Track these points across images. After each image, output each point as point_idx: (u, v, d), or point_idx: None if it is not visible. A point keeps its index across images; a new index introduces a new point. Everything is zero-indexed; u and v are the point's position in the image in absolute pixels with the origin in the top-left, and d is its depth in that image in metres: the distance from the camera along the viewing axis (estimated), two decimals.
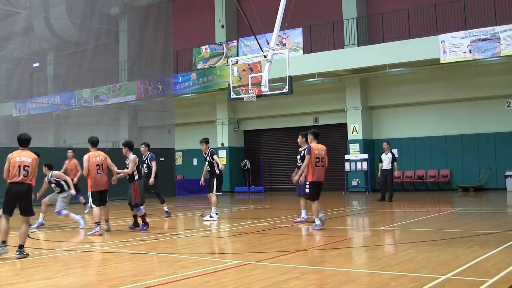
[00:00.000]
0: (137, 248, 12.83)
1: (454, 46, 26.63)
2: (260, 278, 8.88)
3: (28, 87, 40.66)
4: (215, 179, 18.27)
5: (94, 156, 15.27)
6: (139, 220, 16.17)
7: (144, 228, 15.88)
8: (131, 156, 16.07)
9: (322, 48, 32.10)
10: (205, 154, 18.50)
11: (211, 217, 18.30)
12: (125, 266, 10.58)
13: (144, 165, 18.95)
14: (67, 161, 21.98)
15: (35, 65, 42.44)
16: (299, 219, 17.07)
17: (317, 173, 15.21)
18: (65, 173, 19.60)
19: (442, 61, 27.33)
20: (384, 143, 25.53)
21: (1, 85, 38.34)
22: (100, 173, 15.28)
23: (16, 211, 11.63)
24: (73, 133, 39.08)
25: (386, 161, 24.79)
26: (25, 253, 11.36)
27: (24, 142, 12.11)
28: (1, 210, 12.07)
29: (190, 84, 35.55)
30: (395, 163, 24.74)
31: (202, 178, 19.09)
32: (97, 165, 15.23)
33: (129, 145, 16.65)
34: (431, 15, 29.41)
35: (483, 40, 25.97)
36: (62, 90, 40.65)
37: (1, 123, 38.53)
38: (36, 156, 12.00)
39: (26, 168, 11.63)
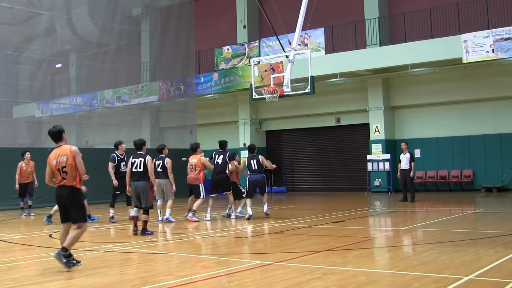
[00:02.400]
0: (159, 248, 12.87)
1: (476, 45, 26.49)
2: (282, 278, 8.87)
3: (51, 88, 40.82)
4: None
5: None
6: (140, 223, 15.28)
7: (150, 232, 15.06)
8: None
9: (344, 48, 32.04)
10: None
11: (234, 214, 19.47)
12: (146, 266, 10.60)
13: (123, 164, 18.91)
14: None
15: (58, 66, 42.63)
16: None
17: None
18: None
19: (464, 61, 27.19)
20: (403, 144, 25.48)
21: (24, 86, 38.57)
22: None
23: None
24: (95, 133, 39.30)
25: (404, 161, 24.72)
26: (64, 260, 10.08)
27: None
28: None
29: (212, 85, 35.58)
30: (412, 164, 24.57)
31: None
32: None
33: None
34: (453, 14, 29.26)
35: (506, 39, 25.81)
36: (84, 91, 40.81)
37: (23, 124, 38.78)
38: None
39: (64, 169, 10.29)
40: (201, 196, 18.59)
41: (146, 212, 15.03)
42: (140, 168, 15.18)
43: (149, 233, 14.90)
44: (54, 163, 10.26)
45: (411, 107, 32.99)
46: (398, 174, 25.13)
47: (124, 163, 18.82)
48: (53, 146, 10.63)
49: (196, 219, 18.33)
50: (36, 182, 22.60)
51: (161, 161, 18.08)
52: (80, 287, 8.85)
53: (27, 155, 22.52)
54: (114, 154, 19.12)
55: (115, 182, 18.75)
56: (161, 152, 18.30)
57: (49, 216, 18.52)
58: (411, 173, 24.59)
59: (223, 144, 20.05)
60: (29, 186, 22.45)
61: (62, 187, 10.29)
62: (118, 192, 18.98)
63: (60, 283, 9.05)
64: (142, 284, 8.77)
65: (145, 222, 14.98)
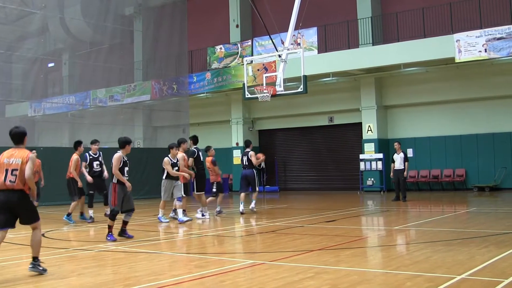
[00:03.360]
0: (152, 247, 12.85)
1: (469, 45, 26.54)
2: (274, 277, 8.87)
3: (43, 87, 40.76)
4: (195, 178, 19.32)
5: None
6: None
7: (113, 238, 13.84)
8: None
9: (336, 48, 32.08)
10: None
11: (203, 215, 19.17)
12: (140, 265, 10.59)
13: (96, 163, 18.80)
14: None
15: (50, 65, 42.55)
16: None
17: None
18: None
19: (457, 60, 27.25)
20: (396, 143, 25.47)
21: (17, 85, 38.48)
22: None
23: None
24: (88, 133, 39.15)
25: (398, 161, 24.63)
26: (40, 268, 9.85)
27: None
28: None
29: (204, 84, 35.59)
30: (406, 163, 24.55)
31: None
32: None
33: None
34: (446, 14, 29.32)
35: (499, 39, 25.87)
36: (77, 90, 40.79)
37: (16, 123, 38.47)
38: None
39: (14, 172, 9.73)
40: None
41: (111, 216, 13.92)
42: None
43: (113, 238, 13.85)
44: (5, 161, 9.75)
45: (403, 107, 33.04)
46: (391, 174, 25.07)
47: (97, 162, 18.78)
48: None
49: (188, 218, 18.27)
50: (42, 182, 22.59)
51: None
52: (72, 287, 8.83)
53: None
54: (87, 153, 18.96)
55: (89, 178, 18.43)
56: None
57: (69, 215, 18.40)
58: (405, 173, 24.60)
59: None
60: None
61: (10, 191, 9.64)
62: (91, 192, 18.78)
63: (52, 283, 9.02)
64: (135, 283, 8.76)
65: (124, 223, 14.13)
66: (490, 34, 26.09)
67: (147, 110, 40.43)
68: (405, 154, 24.84)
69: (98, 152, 19.04)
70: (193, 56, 38.70)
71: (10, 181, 9.61)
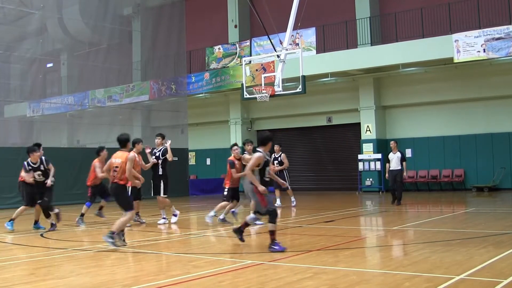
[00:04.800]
0: (150, 248, 12.85)
1: (468, 45, 26.55)
2: (273, 278, 8.87)
3: (42, 87, 40.78)
4: (162, 180, 17.67)
5: None
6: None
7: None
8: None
9: (335, 48, 32.07)
10: (158, 150, 17.86)
11: (164, 218, 17.64)
12: (138, 266, 10.59)
13: (37, 174, 16.58)
14: None
15: (49, 65, 42.57)
16: None
17: None
18: None
19: (456, 61, 27.26)
20: (392, 142, 23.86)
21: (15, 86, 38.50)
22: None
23: None
24: (86, 133, 39.28)
25: (394, 161, 22.96)
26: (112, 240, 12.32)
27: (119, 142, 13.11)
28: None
29: (203, 84, 35.60)
30: (404, 163, 22.90)
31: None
32: None
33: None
34: (445, 14, 29.32)
35: (497, 39, 25.88)
36: (76, 90, 40.77)
37: (15, 123, 38.71)
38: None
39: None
40: None
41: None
42: None
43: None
44: (113, 161, 12.94)
45: (402, 107, 33.04)
46: (387, 175, 23.65)
47: (39, 172, 16.63)
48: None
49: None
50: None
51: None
52: (71, 287, 8.83)
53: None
54: (25, 162, 16.77)
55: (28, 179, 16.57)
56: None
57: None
58: (404, 173, 23.10)
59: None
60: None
61: (113, 184, 12.80)
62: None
63: (51, 283, 9.02)
64: (133, 283, 8.76)
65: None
66: (489, 34, 26.10)
67: (146, 110, 40.43)
68: (402, 154, 23.27)
69: (40, 160, 16.72)
70: (192, 56, 38.70)
71: (113, 176, 12.80)
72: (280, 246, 11.52)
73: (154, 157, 17.81)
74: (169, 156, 17.55)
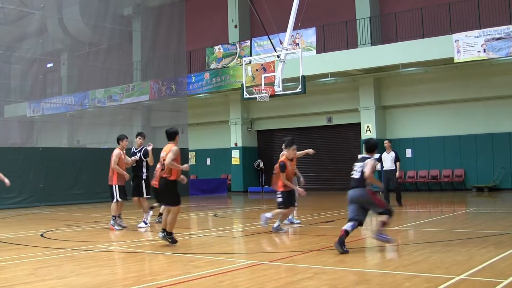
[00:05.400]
0: (151, 247, 12.85)
1: (468, 45, 26.56)
2: (273, 278, 8.86)
3: (42, 88, 40.76)
4: (143, 181, 17.07)
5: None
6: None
7: None
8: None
9: (335, 48, 32.08)
10: (138, 150, 17.26)
11: (145, 223, 16.82)
12: (138, 265, 10.59)
13: None
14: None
15: (49, 65, 42.57)
16: None
17: None
18: None
19: (456, 61, 27.26)
20: (386, 141, 23.18)
21: (15, 86, 38.50)
22: None
23: None
24: (86, 133, 39.30)
25: (388, 161, 22.16)
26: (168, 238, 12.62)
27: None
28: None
29: (203, 84, 35.61)
30: (397, 163, 22.11)
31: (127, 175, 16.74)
32: None
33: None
34: (445, 14, 29.33)
35: (498, 39, 25.88)
36: (76, 91, 40.79)
37: (15, 123, 38.71)
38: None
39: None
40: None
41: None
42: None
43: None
44: (161, 154, 12.97)
45: (402, 107, 33.03)
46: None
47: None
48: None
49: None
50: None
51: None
52: (71, 287, 8.82)
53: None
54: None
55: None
56: None
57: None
58: (397, 173, 22.27)
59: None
60: None
61: (161, 178, 12.83)
62: None
63: (51, 283, 9.01)
64: (134, 283, 8.76)
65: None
66: (489, 34, 26.11)
67: (146, 110, 40.43)
68: (396, 153, 22.43)
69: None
70: (192, 56, 38.72)
71: (162, 170, 12.95)
72: (389, 237, 11.99)
73: (133, 157, 17.09)
74: (150, 160, 16.91)
